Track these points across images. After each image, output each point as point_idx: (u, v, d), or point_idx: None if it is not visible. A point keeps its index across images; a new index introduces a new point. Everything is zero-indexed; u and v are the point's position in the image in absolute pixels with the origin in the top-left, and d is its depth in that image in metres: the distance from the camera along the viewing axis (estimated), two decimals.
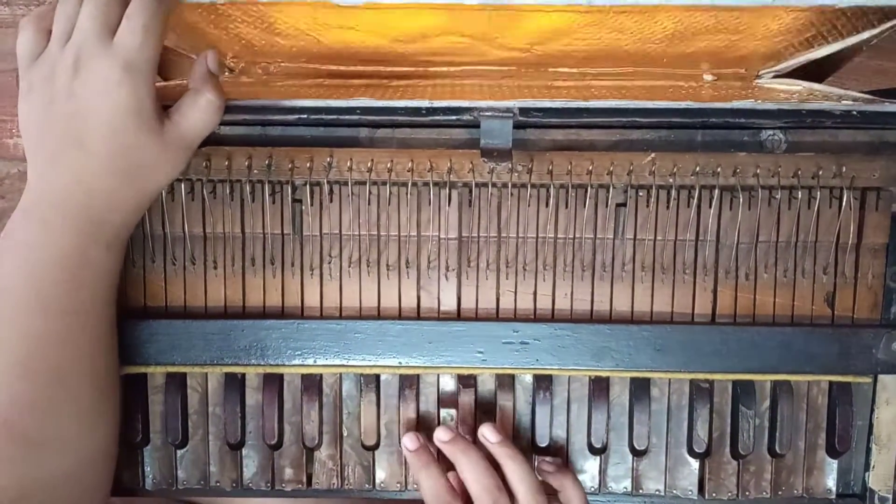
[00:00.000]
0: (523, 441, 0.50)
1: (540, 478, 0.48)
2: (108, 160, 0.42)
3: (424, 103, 0.45)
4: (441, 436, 0.48)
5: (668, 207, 0.49)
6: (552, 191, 0.48)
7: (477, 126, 0.45)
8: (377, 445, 0.50)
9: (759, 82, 0.53)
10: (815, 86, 0.51)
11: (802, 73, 0.53)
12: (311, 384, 0.50)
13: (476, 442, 0.48)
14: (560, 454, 0.51)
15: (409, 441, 0.48)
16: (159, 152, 0.43)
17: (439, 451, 0.48)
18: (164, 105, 0.44)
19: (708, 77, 0.53)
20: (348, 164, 0.48)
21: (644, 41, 0.49)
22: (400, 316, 0.49)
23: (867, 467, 0.50)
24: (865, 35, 0.47)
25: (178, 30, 0.48)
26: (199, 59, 0.45)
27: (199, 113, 0.43)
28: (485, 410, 0.50)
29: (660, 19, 0.44)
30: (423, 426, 0.50)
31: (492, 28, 0.46)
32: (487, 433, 0.47)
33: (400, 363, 0.49)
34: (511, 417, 0.50)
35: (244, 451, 0.51)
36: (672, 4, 0.43)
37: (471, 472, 0.45)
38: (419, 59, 0.51)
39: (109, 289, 0.45)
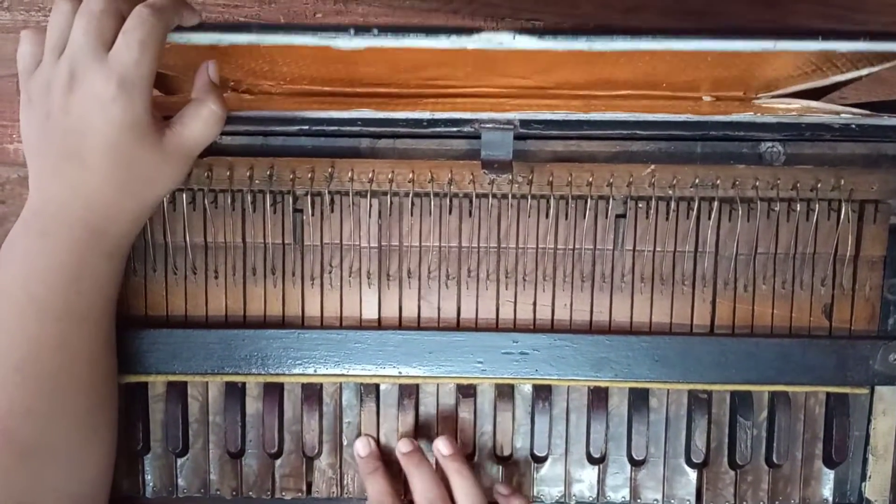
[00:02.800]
0: (522, 450, 0.51)
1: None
2: (107, 173, 0.42)
3: (426, 115, 0.45)
4: (401, 447, 0.49)
5: (667, 219, 0.49)
6: (552, 202, 0.49)
7: (478, 137, 0.45)
8: None
9: (758, 102, 0.53)
10: (813, 103, 0.51)
11: (800, 94, 0.53)
12: (312, 393, 0.50)
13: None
14: (558, 464, 0.51)
15: (362, 447, 0.50)
16: (159, 163, 0.43)
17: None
18: (166, 116, 0.44)
19: (707, 98, 0.53)
20: (349, 174, 0.48)
21: (645, 72, 0.49)
22: (400, 326, 0.50)
23: (864, 478, 0.50)
24: (864, 72, 0.48)
25: (177, 67, 0.48)
26: (200, 69, 0.45)
27: (201, 123, 0.43)
28: (484, 420, 0.50)
29: (659, 54, 0.44)
30: (422, 436, 0.50)
31: (492, 59, 0.46)
32: (441, 446, 0.48)
33: (400, 373, 0.49)
34: (510, 427, 0.50)
35: (244, 460, 0.51)
36: (674, 49, 0.42)
37: (419, 483, 0.47)
38: (421, 83, 0.51)
39: (108, 297, 0.45)
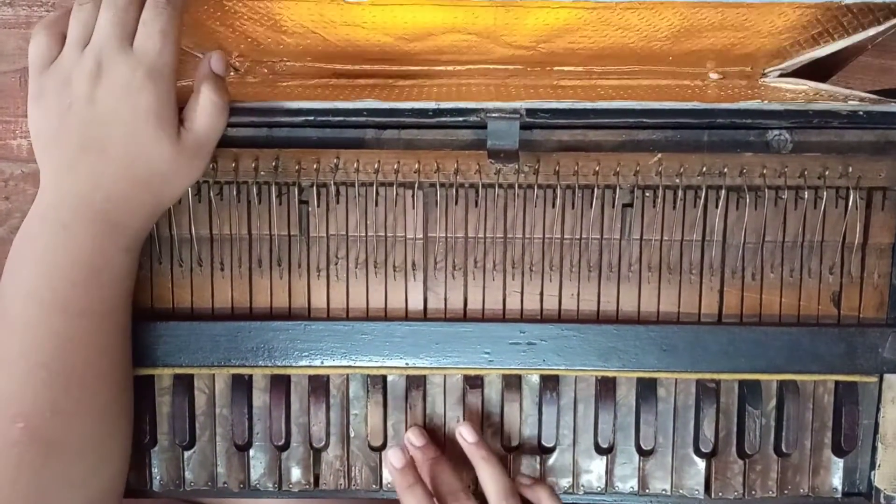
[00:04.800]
0: (530, 441, 0.50)
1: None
2: (128, 166, 0.42)
3: (431, 105, 0.45)
4: (413, 441, 0.49)
5: (674, 208, 0.49)
6: (559, 191, 0.48)
7: (484, 127, 0.45)
8: (384, 446, 0.50)
9: (765, 81, 0.53)
10: (821, 85, 0.51)
11: (807, 71, 0.53)
12: (318, 385, 0.50)
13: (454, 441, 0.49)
14: (566, 455, 0.51)
15: (396, 459, 0.48)
16: (176, 159, 0.43)
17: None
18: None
19: (713, 76, 0.53)
20: (355, 165, 0.48)
21: (649, 38, 0.49)
22: (407, 317, 0.50)
23: (873, 466, 0.50)
24: (871, 32, 0.47)
25: (183, 27, 0.48)
26: (203, 60, 0.45)
27: (206, 116, 0.43)
28: (491, 411, 0.50)
29: (665, 16, 0.44)
30: (431, 427, 0.50)
31: (497, 25, 0.46)
32: (465, 433, 0.48)
33: (407, 364, 0.49)
34: (517, 418, 0.50)
35: (251, 453, 0.51)
36: (679, 1, 0.42)
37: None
38: (425, 57, 0.51)
39: (126, 291, 0.45)
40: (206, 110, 0.43)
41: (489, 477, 0.47)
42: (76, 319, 0.42)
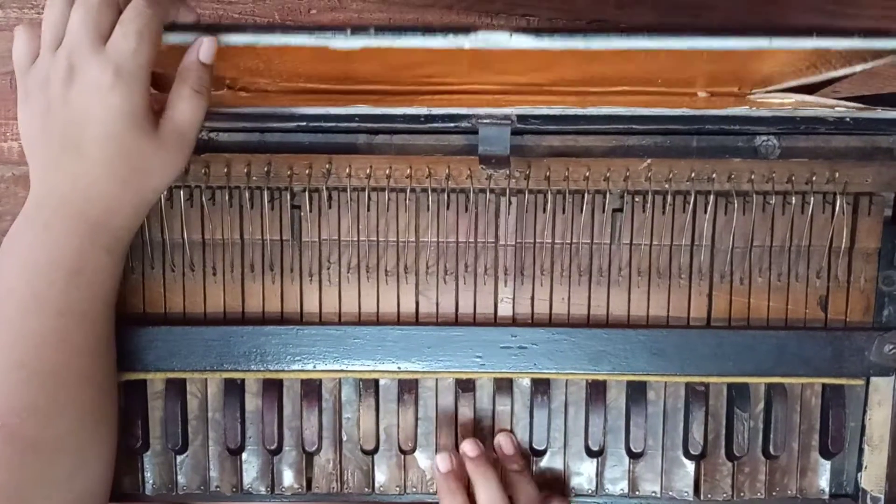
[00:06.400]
0: (521, 444, 0.51)
1: None
2: (106, 165, 0.42)
3: (423, 110, 0.45)
4: (468, 451, 0.49)
5: (663, 213, 0.49)
6: (549, 197, 0.49)
7: (475, 133, 0.45)
8: (376, 450, 0.51)
9: (753, 98, 0.53)
10: (807, 97, 0.51)
11: (793, 89, 0.53)
12: (311, 389, 0.50)
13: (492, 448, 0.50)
14: (557, 457, 0.51)
15: (442, 463, 0.49)
16: (156, 152, 0.43)
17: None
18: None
19: (702, 94, 0.53)
20: (347, 170, 0.48)
21: (640, 69, 0.49)
22: (398, 321, 0.50)
23: (860, 468, 0.51)
24: (858, 68, 0.48)
25: (172, 66, 0.47)
26: (191, 47, 0.43)
27: (184, 102, 0.43)
28: (483, 414, 0.51)
29: (655, 52, 0.44)
30: (423, 432, 0.51)
31: (488, 57, 0.46)
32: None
33: (399, 368, 0.49)
34: (509, 421, 0.50)
35: (244, 456, 0.51)
36: (670, 48, 0.42)
37: (485, 493, 0.47)
38: (417, 81, 0.51)
39: (109, 292, 0.45)
40: (185, 97, 0.43)
41: (526, 498, 0.49)
42: (54, 319, 0.42)
